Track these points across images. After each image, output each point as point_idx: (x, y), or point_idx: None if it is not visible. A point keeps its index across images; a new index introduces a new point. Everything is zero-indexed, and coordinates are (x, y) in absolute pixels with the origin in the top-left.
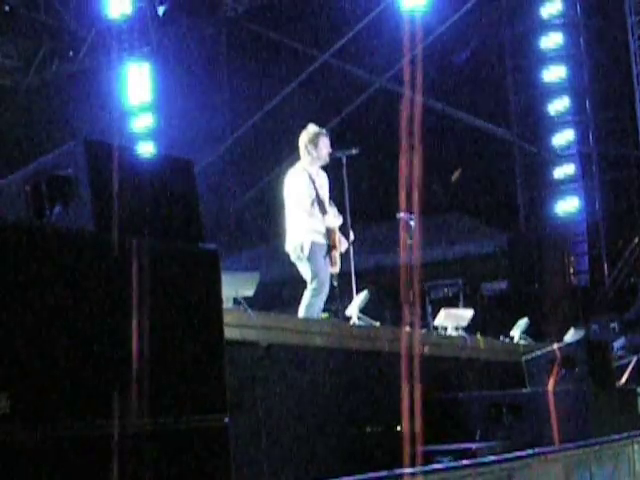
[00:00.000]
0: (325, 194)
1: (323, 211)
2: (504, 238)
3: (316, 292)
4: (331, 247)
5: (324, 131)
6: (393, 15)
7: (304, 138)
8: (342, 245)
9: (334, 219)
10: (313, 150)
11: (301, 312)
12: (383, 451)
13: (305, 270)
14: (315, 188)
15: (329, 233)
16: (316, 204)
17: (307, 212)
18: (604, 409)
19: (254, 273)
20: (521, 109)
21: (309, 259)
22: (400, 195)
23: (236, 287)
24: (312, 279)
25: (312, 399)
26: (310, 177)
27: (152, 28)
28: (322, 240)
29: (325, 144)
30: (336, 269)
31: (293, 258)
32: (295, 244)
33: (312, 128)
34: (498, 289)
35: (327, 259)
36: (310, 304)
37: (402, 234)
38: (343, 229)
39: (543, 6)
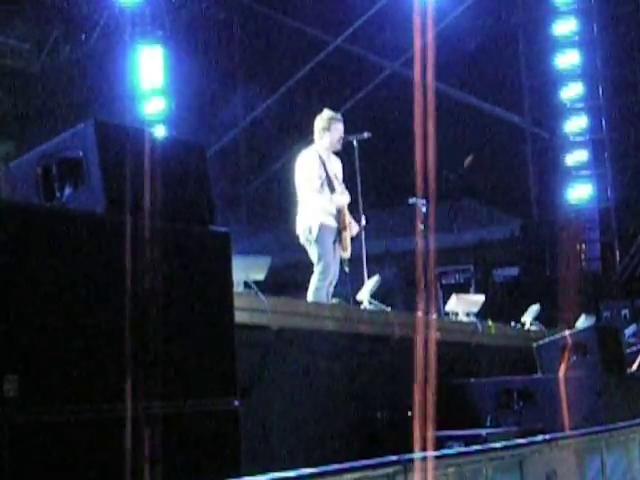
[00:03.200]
0: (336, 178)
1: (333, 191)
2: (516, 224)
3: (322, 276)
4: (341, 229)
5: (339, 116)
6: (406, 0)
7: (318, 123)
8: (353, 229)
9: (342, 197)
10: (325, 135)
11: (309, 296)
12: (393, 436)
13: (313, 253)
14: (326, 170)
15: (339, 214)
16: (326, 185)
17: (317, 191)
18: (615, 396)
19: (265, 257)
20: (534, 95)
21: (317, 241)
22: (414, 180)
23: (247, 271)
24: (318, 261)
25: (322, 383)
26: (321, 159)
27: (165, 12)
28: (332, 222)
29: (337, 129)
30: (347, 253)
31: (302, 240)
32: (304, 226)
33: (327, 113)
34: (510, 275)
35: (337, 244)
36: (317, 288)
37: (418, 219)
38: (355, 214)
39: None
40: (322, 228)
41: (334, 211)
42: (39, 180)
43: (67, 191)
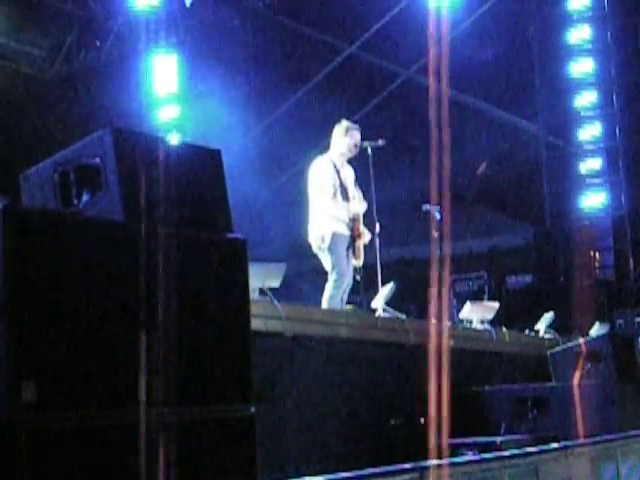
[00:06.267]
0: (349, 185)
1: (346, 199)
2: (530, 232)
3: (337, 284)
4: (354, 237)
5: (357, 127)
6: (420, 7)
7: (336, 129)
8: (365, 237)
9: (359, 204)
10: (342, 140)
11: (324, 304)
12: (406, 443)
13: (326, 261)
14: (339, 177)
15: (352, 222)
16: (339, 193)
17: (330, 199)
18: (629, 403)
19: (280, 264)
20: (548, 103)
21: (330, 249)
22: (428, 187)
23: (262, 278)
24: (332, 270)
25: (337, 390)
26: (335, 167)
27: (179, 19)
28: (344, 230)
29: (354, 136)
30: (360, 262)
31: (315, 249)
32: (317, 235)
33: (345, 122)
34: (523, 283)
35: (350, 251)
36: (331, 296)
37: (432, 226)
38: (369, 220)
39: None
40: (334, 236)
41: (347, 219)
42: (56, 187)
43: (84, 198)
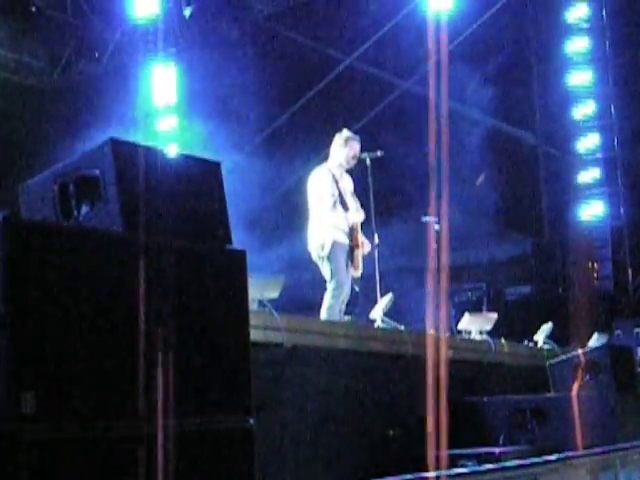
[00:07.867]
0: (348, 195)
1: (345, 209)
2: (528, 243)
3: (335, 293)
4: (353, 247)
5: (357, 137)
6: (419, 18)
7: (336, 139)
8: (365, 247)
9: (356, 213)
10: (342, 151)
11: (323, 314)
12: (405, 454)
13: (325, 270)
14: (338, 187)
15: (352, 232)
16: (338, 203)
17: (329, 209)
18: (628, 414)
19: (279, 276)
20: (546, 113)
21: (329, 258)
22: (428, 199)
23: (261, 289)
24: (331, 279)
25: (335, 401)
26: (334, 177)
27: (178, 30)
28: (344, 239)
29: (353, 147)
30: (358, 272)
31: (314, 257)
32: (316, 243)
33: (345, 132)
34: (522, 293)
35: (349, 261)
36: (330, 306)
37: (431, 238)
38: (367, 232)
39: (569, 10)
40: (334, 245)
41: (346, 229)
42: (56, 198)
43: (84, 209)
